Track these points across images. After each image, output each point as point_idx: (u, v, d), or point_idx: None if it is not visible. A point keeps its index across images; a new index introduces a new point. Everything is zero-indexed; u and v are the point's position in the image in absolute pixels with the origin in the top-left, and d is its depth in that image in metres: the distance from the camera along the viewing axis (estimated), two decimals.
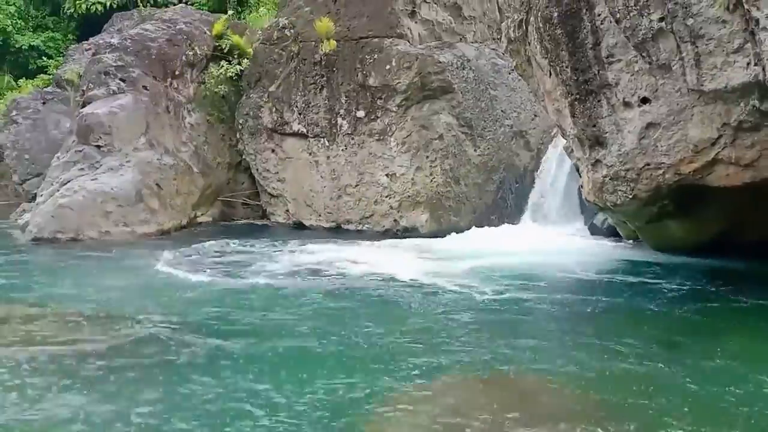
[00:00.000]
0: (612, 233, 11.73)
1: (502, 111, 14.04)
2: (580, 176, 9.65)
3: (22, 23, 24.61)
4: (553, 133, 14.10)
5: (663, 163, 8.16)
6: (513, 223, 13.51)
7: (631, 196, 8.60)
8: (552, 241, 11.83)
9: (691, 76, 7.47)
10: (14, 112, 18.15)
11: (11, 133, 17.80)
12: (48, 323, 7.05)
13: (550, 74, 8.84)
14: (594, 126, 8.50)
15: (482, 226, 13.17)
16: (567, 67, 8.41)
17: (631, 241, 11.15)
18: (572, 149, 9.57)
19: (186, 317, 7.32)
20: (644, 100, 8.04)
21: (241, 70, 15.56)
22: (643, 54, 7.79)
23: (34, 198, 14.61)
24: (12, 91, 22.07)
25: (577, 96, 8.47)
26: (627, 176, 8.47)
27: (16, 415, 4.80)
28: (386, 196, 13.63)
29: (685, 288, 8.33)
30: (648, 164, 8.25)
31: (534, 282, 8.84)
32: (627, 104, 8.16)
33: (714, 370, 5.60)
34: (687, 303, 7.74)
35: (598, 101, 8.36)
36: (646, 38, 7.65)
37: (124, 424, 4.66)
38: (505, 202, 13.88)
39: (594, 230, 12.47)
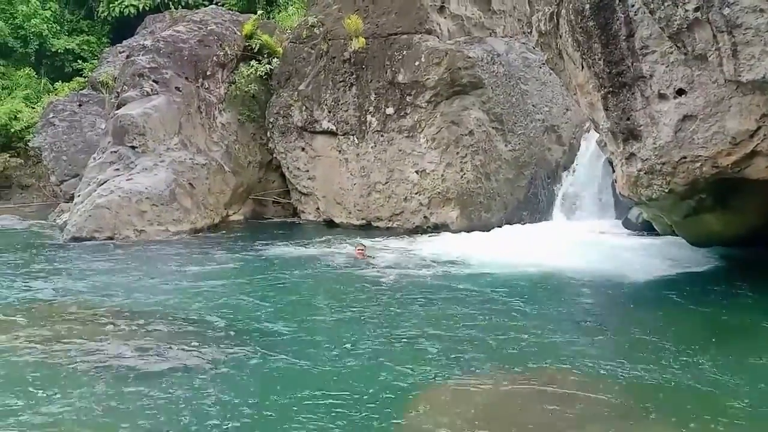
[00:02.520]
0: (647, 228, 11.55)
1: (533, 105, 13.93)
2: (614, 170, 9.52)
3: (58, 27, 25.26)
4: (585, 127, 13.96)
5: (700, 156, 8.01)
6: (545, 219, 13.41)
7: (667, 190, 8.45)
8: (586, 238, 11.70)
9: (728, 66, 7.31)
10: (51, 115, 18.68)
11: (48, 135, 18.32)
12: (88, 322, 7.19)
13: (582, 67, 8.74)
14: (628, 119, 8.38)
15: (513, 223, 13.11)
16: (600, 59, 8.30)
17: (667, 237, 10.97)
18: (605, 143, 9.45)
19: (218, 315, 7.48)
20: (680, 92, 7.89)
21: (271, 69, 15.75)
22: (679, 45, 7.65)
23: (71, 198, 15.02)
24: (49, 94, 22.70)
25: (611, 89, 8.35)
26: (663, 170, 8.32)
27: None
28: (416, 193, 13.64)
29: (728, 285, 8.19)
30: (684, 157, 8.10)
31: (573, 283, 8.75)
32: (662, 96, 8.03)
33: (760, 372, 5.48)
34: (733, 300, 7.61)
35: (632, 94, 8.23)
36: (682, 28, 7.51)
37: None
38: (536, 197, 13.77)
39: (628, 225, 12.30)
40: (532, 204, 13.69)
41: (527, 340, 6.34)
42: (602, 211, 13.14)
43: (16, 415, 4.78)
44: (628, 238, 11.62)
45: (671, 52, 7.77)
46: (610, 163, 9.91)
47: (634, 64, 8.06)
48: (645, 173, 8.51)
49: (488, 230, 12.69)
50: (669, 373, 5.45)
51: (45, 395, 5.14)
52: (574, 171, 13.99)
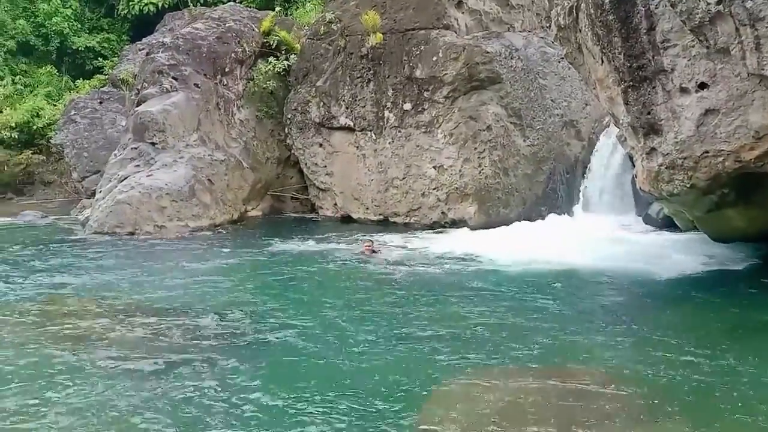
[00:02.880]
0: (667, 224, 11.44)
1: (551, 100, 13.84)
2: (634, 165, 9.45)
3: (79, 25, 25.52)
4: (605, 122, 13.83)
5: (722, 150, 7.91)
6: (564, 215, 13.32)
7: (688, 185, 8.37)
8: (606, 234, 11.61)
9: (751, 60, 7.21)
10: (72, 112, 18.91)
11: (70, 132, 18.55)
12: (106, 317, 7.27)
13: (602, 61, 8.67)
14: (649, 113, 8.29)
15: (532, 218, 13.03)
16: (620, 53, 8.22)
17: (689, 232, 10.85)
18: (625, 138, 9.37)
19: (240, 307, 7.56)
20: (702, 86, 7.80)
21: (288, 66, 15.79)
22: (701, 38, 7.56)
23: (93, 194, 15.20)
24: (70, 91, 22.97)
25: (631, 83, 8.28)
26: (684, 164, 8.24)
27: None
28: (434, 189, 13.62)
29: (756, 282, 8.11)
30: (706, 152, 8.01)
31: (594, 281, 8.69)
32: (684, 90, 7.94)
33: None
34: (762, 298, 7.52)
35: (653, 88, 8.15)
36: (704, 22, 7.42)
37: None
38: (555, 193, 13.69)
39: (648, 221, 12.20)
40: (550, 199, 13.62)
41: (547, 338, 6.30)
42: (622, 207, 13.03)
43: (31, 411, 4.83)
44: (649, 234, 11.53)
45: (693, 46, 7.68)
46: (630, 158, 9.82)
47: (655, 57, 7.98)
48: (666, 168, 8.43)
49: (507, 226, 12.63)
50: (694, 372, 5.38)
51: (60, 390, 5.20)
52: (592, 166, 13.88)
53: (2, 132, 20.70)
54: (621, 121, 8.92)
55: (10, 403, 4.96)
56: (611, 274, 8.86)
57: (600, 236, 11.26)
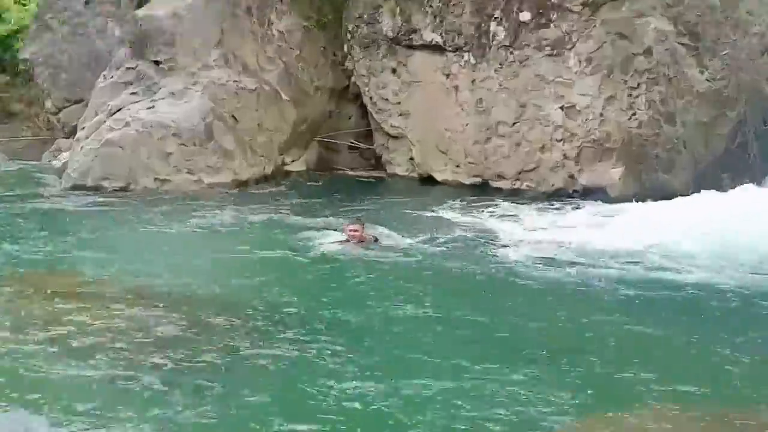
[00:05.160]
0: None
1: (747, 12, 13.18)
2: None
3: None
4: None
5: None
6: (757, 185, 12.65)
7: None
8: None
9: None
10: (48, 15, 19.14)
11: (44, 43, 18.83)
12: (86, 301, 7.37)
13: None
14: None
15: (708, 188, 12.37)
16: None
17: None
18: None
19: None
20: None
21: None
22: None
23: (72, 132, 15.49)
24: None
25: None
26: None
27: None
28: (559, 140, 13.30)
29: None
30: None
31: None
32: None
33: None
34: None
35: None
36: None
37: None
38: (745, 152, 13.08)
39: None
40: (737, 161, 13.01)
41: (717, 372, 6.18)
42: None
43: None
44: None
45: None
46: None
47: None
48: None
49: (668, 200, 12.09)
50: None
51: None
52: None
53: None
54: None
55: None
56: None
57: None
